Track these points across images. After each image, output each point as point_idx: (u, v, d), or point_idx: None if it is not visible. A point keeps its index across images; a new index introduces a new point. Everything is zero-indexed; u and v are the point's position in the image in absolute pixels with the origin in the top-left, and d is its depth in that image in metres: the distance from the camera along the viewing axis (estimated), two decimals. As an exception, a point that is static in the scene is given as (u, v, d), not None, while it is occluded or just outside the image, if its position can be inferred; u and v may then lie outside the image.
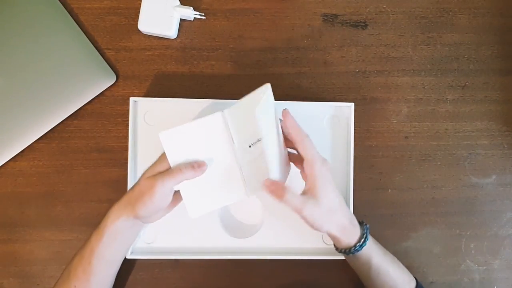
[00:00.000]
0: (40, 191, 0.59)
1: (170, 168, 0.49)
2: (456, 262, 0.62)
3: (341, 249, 0.52)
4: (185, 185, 0.50)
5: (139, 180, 0.50)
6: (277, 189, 0.46)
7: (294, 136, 0.49)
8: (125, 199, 0.50)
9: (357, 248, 0.50)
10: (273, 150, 0.48)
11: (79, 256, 0.51)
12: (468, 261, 0.62)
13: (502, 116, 0.63)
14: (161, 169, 0.49)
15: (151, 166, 0.50)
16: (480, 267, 0.62)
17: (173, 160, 0.49)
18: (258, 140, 0.48)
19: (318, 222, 0.48)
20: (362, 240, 0.50)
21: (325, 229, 0.49)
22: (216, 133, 0.49)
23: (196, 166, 0.49)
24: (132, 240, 0.55)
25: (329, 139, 0.60)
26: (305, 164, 0.48)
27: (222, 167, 0.51)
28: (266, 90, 0.47)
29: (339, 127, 0.60)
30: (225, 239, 0.58)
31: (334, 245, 0.54)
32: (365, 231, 0.51)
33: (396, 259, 0.55)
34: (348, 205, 0.58)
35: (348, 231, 0.50)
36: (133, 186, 0.50)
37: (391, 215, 0.61)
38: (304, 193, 0.49)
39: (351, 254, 0.51)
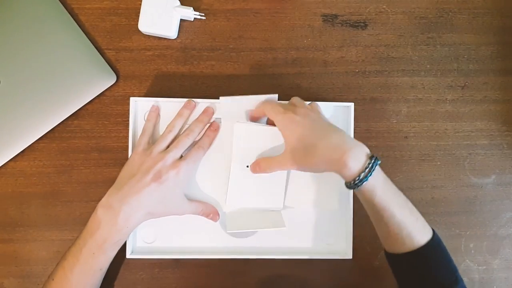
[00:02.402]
0: (40, 191, 0.59)
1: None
2: (456, 262, 0.60)
3: (346, 183, 0.49)
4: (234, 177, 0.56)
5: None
6: (255, 166, 0.55)
7: (259, 112, 0.56)
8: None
9: (356, 183, 0.47)
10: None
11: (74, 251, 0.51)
12: (467, 261, 0.62)
13: (501, 116, 0.63)
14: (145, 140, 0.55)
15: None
16: (480, 267, 0.62)
17: (237, 150, 0.55)
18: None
19: (296, 166, 0.51)
20: (363, 175, 0.46)
21: (307, 169, 0.51)
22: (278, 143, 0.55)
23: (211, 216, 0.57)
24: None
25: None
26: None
27: (269, 176, 0.56)
28: None
29: (339, 127, 0.60)
30: (225, 239, 0.58)
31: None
32: (368, 166, 0.47)
33: (410, 204, 0.50)
34: (348, 205, 0.58)
35: (340, 164, 0.47)
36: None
37: (390, 215, 0.61)
38: None
39: (352, 189, 0.48)
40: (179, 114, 0.56)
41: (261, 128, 0.55)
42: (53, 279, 0.50)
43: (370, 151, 0.49)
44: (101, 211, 0.50)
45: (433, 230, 0.50)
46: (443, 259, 0.49)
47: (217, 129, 0.57)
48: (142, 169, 0.51)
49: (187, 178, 0.55)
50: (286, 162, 0.52)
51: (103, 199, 0.51)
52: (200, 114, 0.57)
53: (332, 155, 0.47)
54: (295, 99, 0.55)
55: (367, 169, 0.47)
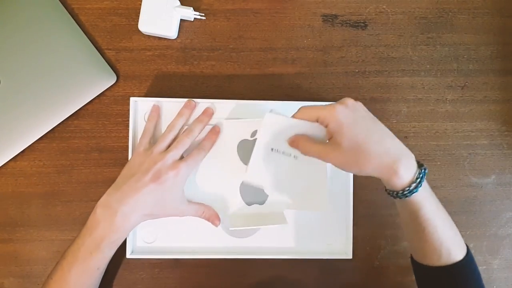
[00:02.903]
0: (40, 191, 0.59)
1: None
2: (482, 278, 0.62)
3: (388, 190, 0.47)
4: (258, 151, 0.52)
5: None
6: (293, 141, 0.50)
7: (310, 118, 0.48)
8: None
9: (405, 193, 0.45)
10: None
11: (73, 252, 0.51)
12: (467, 260, 0.62)
13: (501, 116, 0.63)
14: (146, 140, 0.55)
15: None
16: (480, 267, 0.61)
17: (262, 137, 0.51)
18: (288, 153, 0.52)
19: (344, 166, 0.46)
20: (414, 185, 0.44)
21: (351, 171, 0.48)
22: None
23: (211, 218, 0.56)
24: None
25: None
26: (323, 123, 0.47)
27: (297, 165, 0.52)
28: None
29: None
30: (225, 239, 0.58)
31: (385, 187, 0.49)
32: (419, 176, 0.45)
33: (450, 218, 0.49)
34: (348, 205, 0.58)
35: (390, 172, 0.44)
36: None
37: (391, 215, 0.61)
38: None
39: (398, 198, 0.46)
40: (179, 114, 0.56)
41: (294, 121, 0.50)
42: (52, 278, 0.50)
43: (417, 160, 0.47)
44: (99, 211, 0.50)
45: (467, 246, 0.49)
46: (474, 279, 0.49)
47: (218, 133, 0.57)
48: (142, 169, 0.51)
49: (187, 179, 0.55)
50: (329, 155, 0.47)
51: (102, 199, 0.51)
52: (200, 114, 0.57)
53: (384, 161, 0.44)
54: (334, 104, 0.49)
55: (418, 180, 0.45)
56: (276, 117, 0.51)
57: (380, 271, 0.61)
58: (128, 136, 0.57)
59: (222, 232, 0.58)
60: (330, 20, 0.62)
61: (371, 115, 0.48)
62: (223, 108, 0.58)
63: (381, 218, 0.61)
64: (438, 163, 0.62)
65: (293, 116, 0.49)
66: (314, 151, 0.48)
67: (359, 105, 0.48)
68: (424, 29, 0.63)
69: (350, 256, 0.58)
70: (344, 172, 0.58)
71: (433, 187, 0.61)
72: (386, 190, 0.48)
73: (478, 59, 0.63)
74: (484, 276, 0.62)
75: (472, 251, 0.49)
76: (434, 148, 0.63)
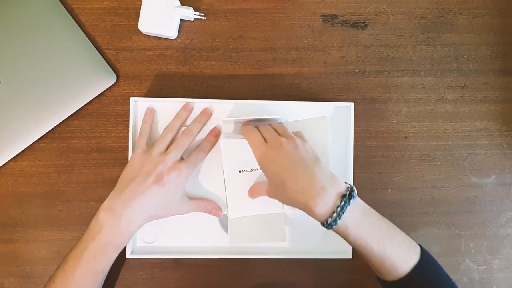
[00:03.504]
0: (40, 191, 0.59)
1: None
2: (456, 262, 0.62)
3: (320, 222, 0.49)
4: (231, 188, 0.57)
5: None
6: (250, 191, 0.56)
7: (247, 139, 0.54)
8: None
9: (326, 226, 0.47)
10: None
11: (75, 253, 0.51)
12: (467, 260, 0.62)
13: (501, 116, 0.63)
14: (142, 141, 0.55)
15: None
16: (480, 267, 0.62)
17: (227, 164, 0.56)
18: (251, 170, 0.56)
19: (277, 199, 0.53)
20: (330, 220, 0.46)
21: (283, 202, 0.54)
22: None
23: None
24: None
25: (329, 139, 0.60)
26: None
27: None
28: None
29: (339, 127, 0.60)
30: (225, 239, 0.58)
31: None
32: (338, 208, 0.46)
33: (393, 230, 0.49)
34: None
35: (307, 209, 0.47)
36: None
37: (390, 215, 0.61)
38: None
39: (327, 228, 0.48)
40: (177, 116, 0.56)
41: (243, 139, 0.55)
42: (54, 282, 0.50)
43: (346, 185, 0.49)
44: (103, 215, 0.50)
45: (421, 248, 0.49)
46: (435, 280, 0.49)
47: (218, 134, 0.58)
48: (143, 172, 0.51)
49: (187, 179, 0.55)
50: (267, 193, 0.54)
51: (105, 203, 0.51)
52: (199, 115, 0.57)
53: (299, 199, 0.48)
54: (278, 126, 0.55)
55: (336, 212, 0.46)
56: (232, 142, 0.56)
57: (380, 271, 0.61)
58: (128, 136, 0.57)
59: (222, 232, 0.58)
60: (330, 20, 0.62)
61: (300, 148, 0.51)
62: (223, 108, 0.58)
63: (381, 218, 0.61)
64: (438, 163, 0.62)
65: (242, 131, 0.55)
66: (260, 192, 0.55)
67: (291, 145, 0.50)
68: (424, 29, 0.63)
69: (350, 256, 0.58)
70: (344, 172, 0.59)
71: (433, 187, 0.62)
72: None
73: (478, 59, 0.63)
74: (484, 276, 0.62)
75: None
76: (434, 148, 0.63)
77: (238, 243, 0.56)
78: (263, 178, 0.54)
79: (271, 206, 0.57)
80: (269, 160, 0.50)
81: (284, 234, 0.57)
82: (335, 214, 0.46)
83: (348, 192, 0.48)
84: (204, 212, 0.57)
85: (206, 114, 0.57)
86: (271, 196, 0.54)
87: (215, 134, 0.58)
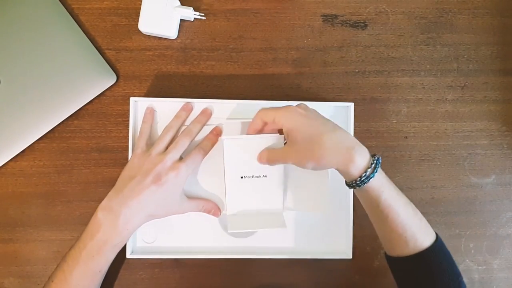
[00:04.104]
0: (40, 191, 0.59)
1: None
2: (456, 262, 0.62)
3: (349, 182, 0.48)
4: (231, 186, 0.56)
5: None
6: (259, 158, 0.53)
7: (257, 124, 0.52)
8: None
9: (363, 179, 0.46)
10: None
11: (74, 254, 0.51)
12: (467, 260, 0.62)
13: (501, 116, 0.63)
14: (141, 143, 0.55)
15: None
16: (480, 267, 0.62)
17: (229, 167, 0.55)
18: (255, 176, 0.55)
19: (302, 162, 0.47)
20: (369, 171, 0.46)
21: (309, 166, 0.47)
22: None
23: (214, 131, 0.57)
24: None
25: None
26: (276, 126, 0.52)
27: (267, 182, 0.56)
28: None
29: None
30: (225, 239, 0.58)
31: (345, 181, 0.50)
32: (373, 162, 0.46)
33: (412, 205, 0.49)
34: (348, 205, 0.58)
35: (347, 160, 0.46)
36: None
37: (390, 215, 0.61)
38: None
39: (357, 187, 0.47)
40: (176, 116, 0.56)
41: (251, 139, 0.54)
42: (52, 281, 0.50)
43: (370, 151, 0.48)
44: (101, 214, 0.50)
45: (436, 233, 0.49)
46: (447, 264, 0.48)
47: (219, 134, 0.58)
48: (142, 171, 0.51)
49: (187, 179, 0.55)
50: (289, 154, 0.49)
51: (103, 202, 0.51)
52: (199, 115, 0.57)
53: (339, 149, 0.46)
54: (289, 106, 0.53)
55: (373, 165, 0.46)
56: (235, 141, 0.54)
57: (380, 271, 0.61)
58: (128, 136, 0.57)
59: (222, 232, 0.58)
60: (330, 20, 0.62)
61: (324, 116, 0.51)
62: (223, 108, 0.58)
63: (381, 218, 0.61)
64: (438, 163, 0.62)
65: (254, 119, 0.52)
66: (277, 157, 0.51)
67: (312, 109, 0.51)
68: (424, 29, 0.63)
69: (350, 256, 0.58)
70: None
71: (433, 187, 0.62)
72: (346, 183, 0.49)
73: (478, 59, 0.63)
74: (484, 276, 0.62)
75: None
76: (434, 148, 0.63)
77: (238, 229, 0.55)
78: (267, 185, 0.55)
79: (271, 204, 0.56)
80: (298, 115, 0.48)
81: (284, 221, 0.56)
82: (373, 166, 0.46)
83: (375, 154, 0.48)
84: (203, 212, 0.57)
85: (206, 114, 0.57)
86: (294, 157, 0.49)
87: (216, 133, 0.57)
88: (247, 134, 0.54)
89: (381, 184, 0.47)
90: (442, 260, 0.48)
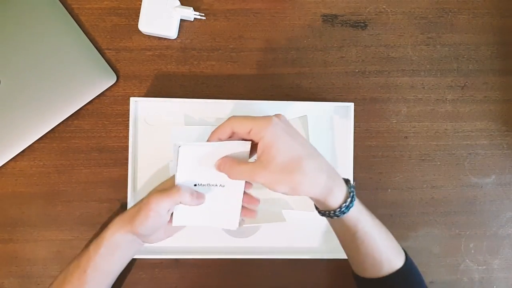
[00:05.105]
0: (40, 191, 0.59)
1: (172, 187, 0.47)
2: (456, 262, 0.62)
3: (323, 211, 0.46)
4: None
5: (147, 195, 0.50)
6: (223, 164, 0.45)
7: (224, 133, 0.45)
8: (127, 213, 0.50)
9: (342, 209, 0.44)
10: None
11: (76, 262, 0.51)
12: (467, 260, 0.62)
13: (501, 116, 0.63)
14: (166, 187, 0.48)
15: (162, 182, 0.51)
16: (480, 267, 0.62)
17: (181, 175, 0.47)
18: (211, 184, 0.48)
19: (274, 186, 0.42)
20: (349, 200, 0.44)
21: (281, 190, 0.42)
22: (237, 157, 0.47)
23: (195, 195, 0.46)
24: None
25: (329, 139, 0.60)
26: (249, 138, 0.44)
27: (224, 193, 0.49)
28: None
29: (339, 127, 0.60)
30: (225, 239, 0.58)
31: (316, 207, 0.48)
32: (351, 191, 0.45)
33: (385, 228, 0.50)
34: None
35: (326, 191, 0.43)
36: (139, 201, 0.50)
37: (390, 215, 0.61)
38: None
39: (335, 217, 0.45)
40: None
41: (212, 145, 0.46)
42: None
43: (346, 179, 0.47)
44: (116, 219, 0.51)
45: (404, 251, 0.51)
46: (420, 278, 0.50)
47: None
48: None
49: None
50: (259, 174, 0.42)
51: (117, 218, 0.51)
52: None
53: (318, 178, 0.43)
54: (268, 116, 0.46)
55: (351, 194, 0.45)
56: (192, 147, 0.46)
57: (380, 271, 0.61)
58: (128, 136, 0.57)
59: (222, 232, 0.58)
60: (330, 20, 0.62)
61: (300, 134, 0.46)
62: (223, 108, 0.58)
63: (381, 218, 0.61)
64: (438, 163, 0.62)
65: (221, 127, 0.45)
66: (243, 173, 0.44)
67: (288, 121, 0.45)
68: (424, 29, 0.63)
69: (350, 256, 0.58)
70: (344, 172, 0.59)
71: (433, 187, 0.62)
72: (319, 211, 0.47)
73: (478, 59, 0.63)
74: (484, 276, 0.62)
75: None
76: (434, 148, 0.63)
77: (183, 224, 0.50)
78: (222, 194, 0.48)
79: (224, 219, 0.50)
80: (284, 134, 0.42)
81: (283, 215, 0.55)
82: (351, 194, 0.45)
83: (346, 178, 0.47)
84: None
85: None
86: (264, 177, 0.42)
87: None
88: (209, 141, 0.46)
89: (358, 212, 0.46)
90: (413, 278, 0.50)
